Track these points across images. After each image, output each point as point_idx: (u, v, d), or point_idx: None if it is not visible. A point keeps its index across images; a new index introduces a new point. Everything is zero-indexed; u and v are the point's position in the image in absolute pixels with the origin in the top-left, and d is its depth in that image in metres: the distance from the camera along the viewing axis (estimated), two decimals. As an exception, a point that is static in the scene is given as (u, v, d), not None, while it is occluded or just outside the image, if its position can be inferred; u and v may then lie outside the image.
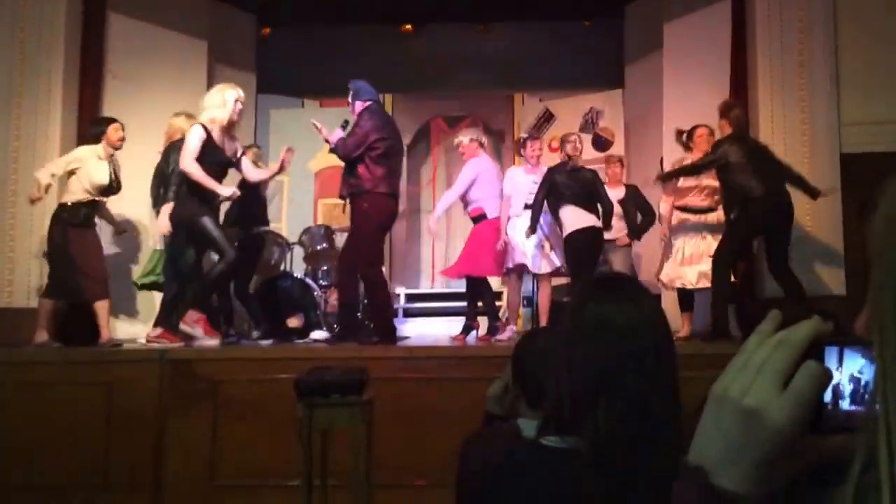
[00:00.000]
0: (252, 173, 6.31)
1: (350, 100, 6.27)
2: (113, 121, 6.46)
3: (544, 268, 6.65)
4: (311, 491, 3.79)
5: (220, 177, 5.99)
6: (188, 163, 5.76)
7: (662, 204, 6.65)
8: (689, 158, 6.40)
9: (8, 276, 6.59)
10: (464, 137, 7.08)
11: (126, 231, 6.83)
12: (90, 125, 6.60)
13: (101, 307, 6.23)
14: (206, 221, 5.83)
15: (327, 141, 6.14)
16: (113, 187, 6.37)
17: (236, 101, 5.98)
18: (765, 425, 0.65)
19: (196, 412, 5.08)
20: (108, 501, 4.98)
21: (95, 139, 6.36)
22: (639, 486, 1.29)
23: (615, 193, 7.16)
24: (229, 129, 6.01)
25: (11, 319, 6.35)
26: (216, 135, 5.90)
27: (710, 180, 6.28)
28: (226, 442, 5.03)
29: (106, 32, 7.47)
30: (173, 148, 6.31)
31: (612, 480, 1.34)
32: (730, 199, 5.93)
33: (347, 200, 6.20)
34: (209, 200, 5.89)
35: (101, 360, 5.42)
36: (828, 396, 0.67)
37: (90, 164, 6.24)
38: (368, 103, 6.17)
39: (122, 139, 6.41)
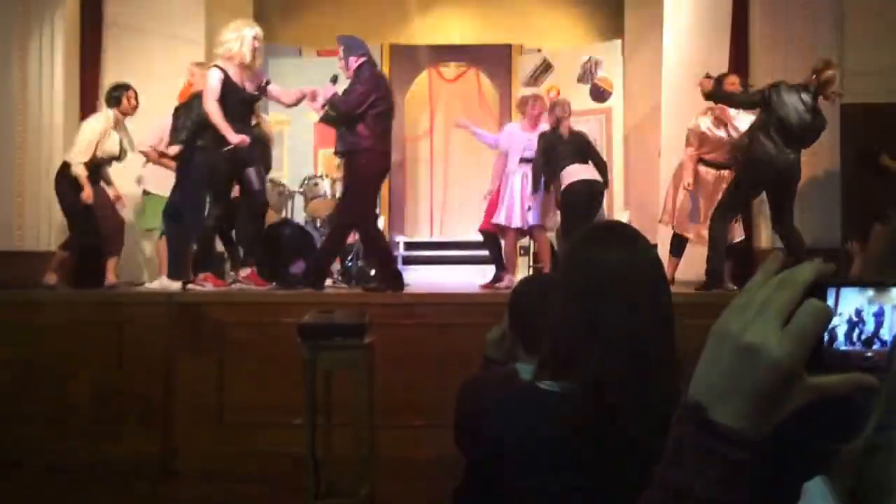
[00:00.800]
0: (285, 96, 6.28)
1: (342, 55, 6.16)
2: (129, 87, 6.46)
3: (531, 221, 6.73)
4: (315, 429, 3.93)
5: (243, 116, 5.96)
6: (209, 103, 5.74)
7: (686, 153, 6.62)
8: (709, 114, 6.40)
9: (18, 220, 6.68)
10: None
11: (122, 200, 6.81)
12: (109, 90, 6.55)
13: (112, 258, 6.39)
14: (223, 167, 5.87)
15: (322, 104, 6.03)
16: (121, 156, 6.45)
17: (254, 37, 5.90)
18: (763, 360, 0.65)
19: (203, 354, 5.22)
20: (120, 436, 5.14)
21: (111, 104, 6.39)
22: (634, 429, 1.31)
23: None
24: (250, 67, 5.93)
25: (22, 262, 6.46)
26: (234, 73, 5.85)
27: (736, 134, 6.31)
28: (233, 382, 5.17)
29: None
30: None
31: (605, 422, 1.36)
32: (747, 150, 5.91)
33: (342, 157, 6.20)
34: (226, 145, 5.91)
35: (111, 301, 5.57)
36: (825, 336, 0.69)
37: (104, 135, 6.29)
38: (363, 59, 6.10)
39: (136, 106, 6.44)
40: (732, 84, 6.21)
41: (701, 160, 6.46)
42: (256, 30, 5.96)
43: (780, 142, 5.73)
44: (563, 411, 1.44)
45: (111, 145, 6.30)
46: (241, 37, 5.86)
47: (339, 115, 5.97)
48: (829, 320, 0.67)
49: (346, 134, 5.98)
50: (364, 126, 5.90)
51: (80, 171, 6.17)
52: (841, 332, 0.71)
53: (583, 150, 6.54)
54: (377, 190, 6.42)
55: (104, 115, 6.37)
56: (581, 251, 1.52)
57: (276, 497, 4.56)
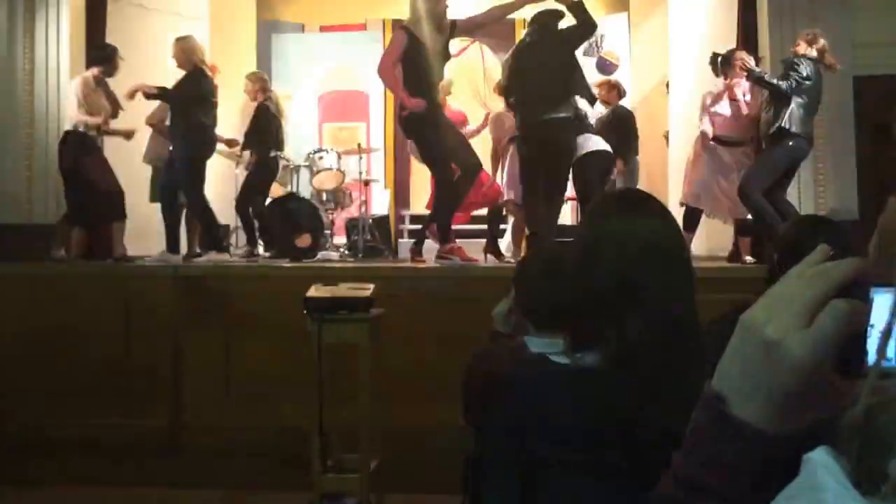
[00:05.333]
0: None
1: None
2: (115, 49, 6.49)
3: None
4: (322, 402, 3.93)
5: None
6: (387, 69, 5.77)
7: (706, 121, 6.52)
8: (719, 86, 6.32)
9: (26, 193, 6.70)
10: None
11: (135, 132, 6.80)
12: (94, 49, 6.59)
13: (117, 227, 6.37)
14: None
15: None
16: (115, 113, 6.45)
17: None
18: (783, 359, 0.62)
19: (209, 326, 5.24)
20: (129, 411, 5.16)
21: (98, 63, 6.40)
22: (660, 403, 1.28)
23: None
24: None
25: (30, 235, 6.47)
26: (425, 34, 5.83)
27: (747, 109, 6.23)
28: (239, 355, 5.19)
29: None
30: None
31: (635, 393, 1.34)
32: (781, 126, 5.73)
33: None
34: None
35: (117, 274, 5.58)
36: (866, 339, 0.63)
37: (88, 94, 6.30)
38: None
39: (117, 68, 6.47)
40: (741, 60, 6.07)
41: (715, 138, 6.38)
42: None
43: (810, 119, 5.68)
44: (576, 385, 1.43)
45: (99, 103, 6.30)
46: None
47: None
48: (859, 324, 0.62)
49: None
50: None
51: (89, 121, 6.24)
52: (872, 346, 0.63)
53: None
54: None
55: (85, 78, 6.37)
56: (609, 221, 1.48)
57: (284, 471, 4.57)
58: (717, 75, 6.41)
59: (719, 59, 6.37)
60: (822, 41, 5.77)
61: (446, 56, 6.03)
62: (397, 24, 10.07)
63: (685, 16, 7.95)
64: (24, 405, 5.17)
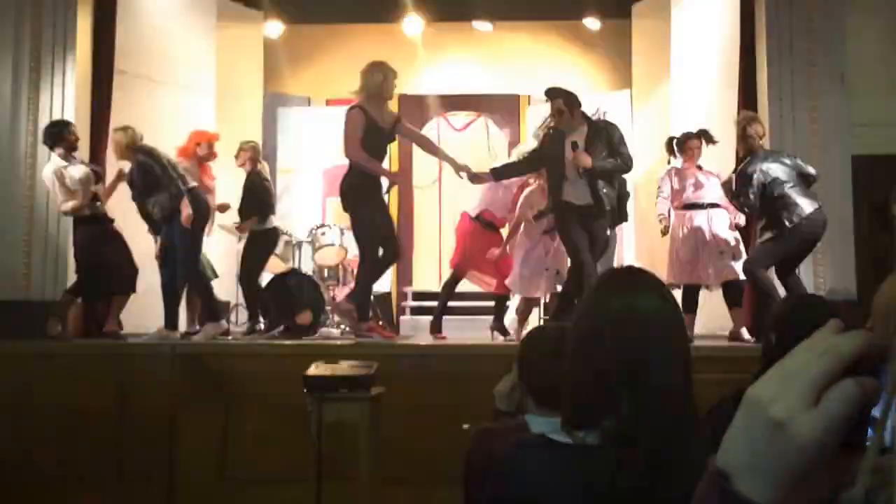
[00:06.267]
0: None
1: None
2: (69, 123, 6.42)
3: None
4: (322, 484, 3.84)
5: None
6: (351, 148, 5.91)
7: (660, 202, 6.62)
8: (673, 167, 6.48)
9: (24, 269, 6.66)
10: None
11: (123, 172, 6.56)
12: (46, 129, 6.41)
13: (118, 301, 6.33)
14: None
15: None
16: (96, 176, 6.38)
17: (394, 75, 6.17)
18: (789, 439, 0.61)
19: (207, 406, 5.16)
20: (123, 493, 5.04)
21: (54, 146, 6.26)
22: (662, 480, 1.28)
23: None
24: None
25: (28, 311, 6.42)
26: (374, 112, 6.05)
27: (708, 178, 6.34)
28: (237, 435, 5.10)
29: (116, 35, 7.48)
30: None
31: (633, 473, 1.33)
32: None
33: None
34: None
35: (114, 353, 5.51)
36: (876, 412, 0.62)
37: (67, 171, 6.20)
38: None
39: (78, 139, 6.38)
40: (692, 147, 6.37)
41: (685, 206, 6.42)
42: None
43: (805, 196, 5.65)
44: (579, 463, 1.41)
45: (80, 173, 6.20)
46: (385, 72, 5.99)
47: None
48: (868, 402, 0.60)
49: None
50: None
51: (70, 207, 6.18)
52: (871, 422, 0.62)
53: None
54: None
55: (55, 159, 6.25)
56: (608, 298, 1.49)
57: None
58: (673, 157, 6.56)
59: (675, 141, 6.55)
60: (755, 127, 5.90)
61: (391, 137, 6.21)
62: (404, 98, 10.35)
63: (687, 94, 8.07)
64: (17, 485, 5.05)
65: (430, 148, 6.70)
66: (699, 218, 6.35)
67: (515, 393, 2.42)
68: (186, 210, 6.07)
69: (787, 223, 5.60)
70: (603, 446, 1.38)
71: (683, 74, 8.16)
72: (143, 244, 6.74)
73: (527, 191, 6.65)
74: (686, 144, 6.44)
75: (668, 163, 6.84)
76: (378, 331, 6.11)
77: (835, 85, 6.68)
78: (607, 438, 1.38)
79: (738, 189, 5.84)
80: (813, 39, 6.72)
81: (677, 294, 6.49)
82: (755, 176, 5.68)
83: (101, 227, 6.36)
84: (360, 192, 5.91)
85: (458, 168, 6.18)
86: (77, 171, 6.22)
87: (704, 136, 6.41)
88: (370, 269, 6.05)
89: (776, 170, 5.69)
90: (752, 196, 5.69)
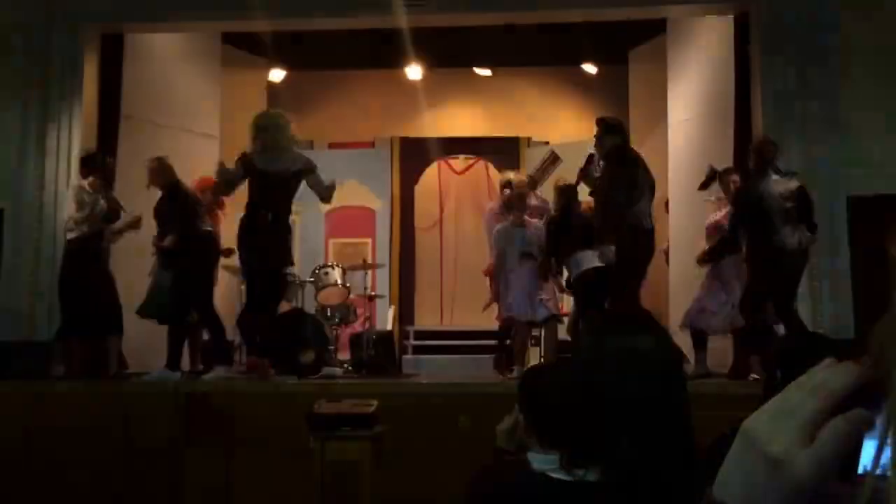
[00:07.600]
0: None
1: None
2: (105, 154, 6.57)
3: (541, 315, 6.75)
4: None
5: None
6: None
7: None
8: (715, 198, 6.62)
9: (29, 310, 6.70)
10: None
11: (140, 218, 6.61)
12: (86, 158, 6.61)
13: (113, 342, 6.33)
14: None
15: None
16: (111, 215, 6.42)
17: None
18: (785, 477, 0.62)
19: (210, 445, 5.16)
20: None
21: (91, 171, 6.43)
22: None
23: None
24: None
25: (33, 352, 6.43)
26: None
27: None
28: (240, 474, 5.10)
29: (122, 79, 7.61)
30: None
31: None
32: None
33: None
34: None
35: (116, 392, 5.53)
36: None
37: (85, 199, 6.30)
38: None
39: (113, 171, 6.53)
40: (735, 182, 6.33)
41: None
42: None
43: (794, 231, 5.76)
44: (577, 501, 1.43)
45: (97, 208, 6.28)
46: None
47: None
48: (862, 435, 0.61)
49: None
50: None
51: (79, 229, 6.23)
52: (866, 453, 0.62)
53: (591, 234, 6.57)
54: None
55: (81, 184, 6.39)
56: (608, 339, 1.51)
57: None
58: (704, 187, 6.64)
59: (717, 173, 6.56)
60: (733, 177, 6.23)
61: (295, 186, 6.32)
62: (406, 141, 10.48)
63: (683, 137, 8.18)
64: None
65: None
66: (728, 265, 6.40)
67: (517, 431, 2.44)
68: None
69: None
70: (602, 484, 1.40)
71: (680, 119, 8.28)
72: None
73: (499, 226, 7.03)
74: (729, 178, 6.39)
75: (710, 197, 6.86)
76: (259, 366, 5.99)
77: (829, 124, 6.75)
78: (607, 476, 1.39)
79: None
80: (806, 84, 6.81)
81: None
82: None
83: (94, 266, 6.34)
84: (249, 229, 6.04)
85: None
86: (93, 198, 6.30)
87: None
88: (256, 306, 6.17)
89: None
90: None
